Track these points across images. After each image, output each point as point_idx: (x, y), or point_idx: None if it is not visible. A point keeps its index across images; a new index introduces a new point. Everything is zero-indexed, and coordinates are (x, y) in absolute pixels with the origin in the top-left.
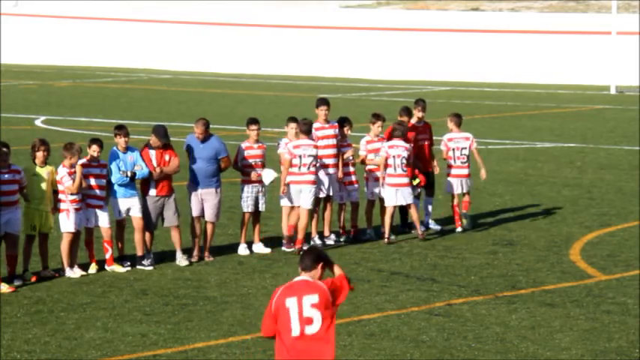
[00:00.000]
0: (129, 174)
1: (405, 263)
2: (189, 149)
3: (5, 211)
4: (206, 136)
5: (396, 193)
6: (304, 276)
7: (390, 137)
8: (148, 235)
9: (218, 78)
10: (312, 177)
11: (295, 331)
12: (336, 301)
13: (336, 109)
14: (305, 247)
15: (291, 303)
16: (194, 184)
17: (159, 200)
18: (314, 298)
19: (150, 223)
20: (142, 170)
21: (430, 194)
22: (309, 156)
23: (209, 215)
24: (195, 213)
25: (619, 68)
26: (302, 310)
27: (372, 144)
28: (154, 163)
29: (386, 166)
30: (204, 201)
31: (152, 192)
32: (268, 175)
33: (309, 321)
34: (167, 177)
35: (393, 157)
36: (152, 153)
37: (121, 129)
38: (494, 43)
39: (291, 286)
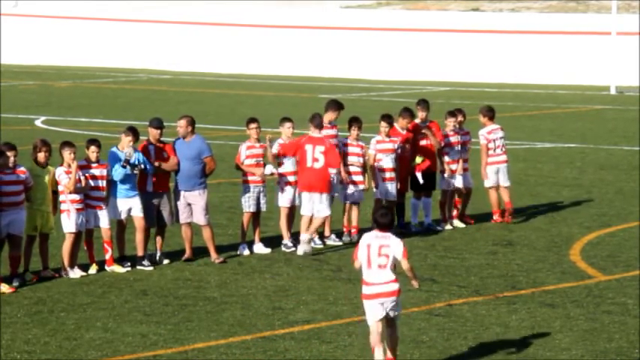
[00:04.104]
0: (128, 157)
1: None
2: (174, 149)
3: (8, 212)
4: (190, 134)
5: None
6: (317, 133)
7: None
8: (153, 233)
9: (218, 78)
10: (505, 157)
11: (309, 163)
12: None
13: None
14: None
15: (308, 147)
16: (178, 187)
17: (155, 197)
18: (321, 148)
19: (149, 221)
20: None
21: (429, 195)
22: (501, 138)
23: (201, 220)
24: (180, 220)
25: (619, 69)
26: (314, 153)
27: (382, 144)
28: (153, 158)
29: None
30: (192, 205)
31: (149, 189)
32: (268, 168)
33: (317, 160)
34: (164, 174)
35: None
36: (151, 148)
37: (135, 133)
38: (494, 44)
39: (310, 138)
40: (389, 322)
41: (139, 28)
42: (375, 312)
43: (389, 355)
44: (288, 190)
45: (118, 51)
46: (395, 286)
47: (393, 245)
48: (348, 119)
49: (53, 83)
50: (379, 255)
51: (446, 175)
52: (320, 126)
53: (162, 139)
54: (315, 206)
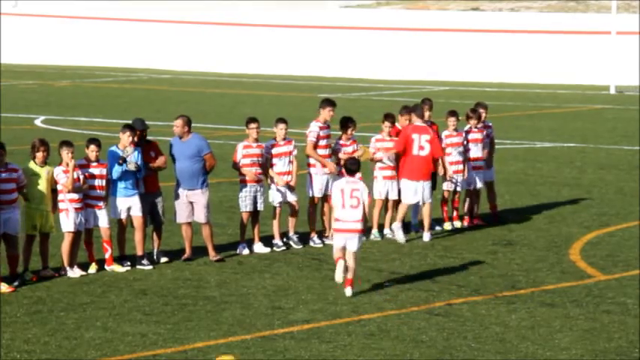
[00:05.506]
0: (127, 160)
1: (404, 263)
2: (171, 149)
3: (2, 211)
4: (186, 134)
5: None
6: (420, 122)
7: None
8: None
9: (218, 78)
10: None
11: (415, 151)
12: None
13: (337, 109)
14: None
15: (415, 137)
16: (179, 186)
17: (149, 198)
18: (427, 137)
19: (144, 221)
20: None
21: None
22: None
23: (201, 217)
24: (181, 219)
25: (619, 68)
26: (420, 141)
27: (381, 142)
28: (141, 159)
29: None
30: (194, 203)
31: (141, 190)
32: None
33: (423, 148)
34: (154, 174)
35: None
36: (137, 150)
37: (132, 130)
38: (494, 43)
39: (415, 127)
40: (350, 254)
41: (139, 27)
42: (338, 242)
43: (349, 276)
44: (282, 189)
45: (118, 50)
46: (359, 225)
47: (361, 189)
48: (341, 119)
49: (53, 83)
50: (351, 197)
51: (447, 175)
52: (422, 115)
53: (148, 138)
54: (420, 194)
